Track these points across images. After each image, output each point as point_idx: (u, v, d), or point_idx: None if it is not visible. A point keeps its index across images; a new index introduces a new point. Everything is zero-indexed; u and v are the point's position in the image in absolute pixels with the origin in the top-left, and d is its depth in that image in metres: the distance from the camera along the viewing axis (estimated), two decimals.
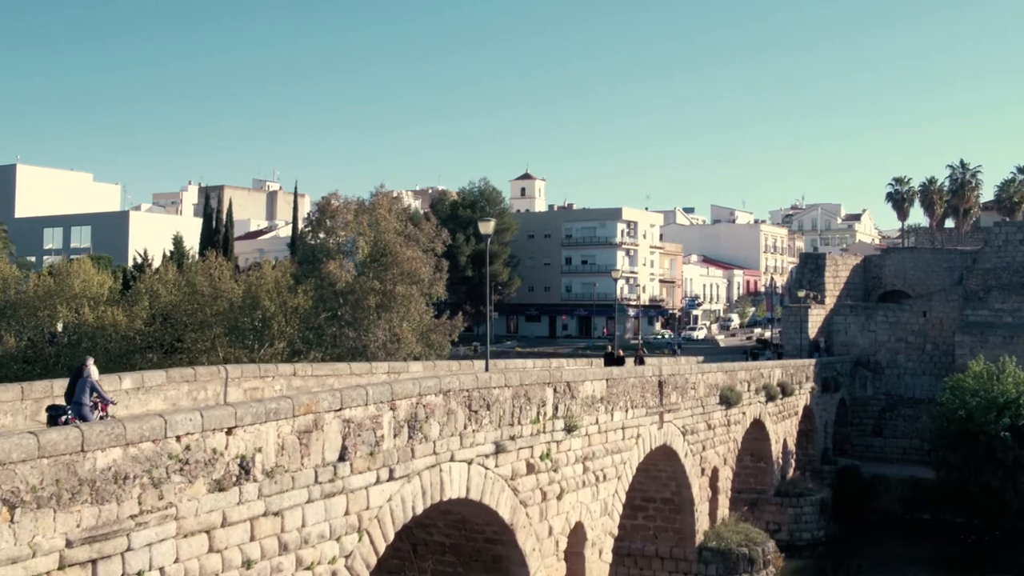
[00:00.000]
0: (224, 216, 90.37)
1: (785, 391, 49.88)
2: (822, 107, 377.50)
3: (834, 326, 72.15)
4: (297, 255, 61.09)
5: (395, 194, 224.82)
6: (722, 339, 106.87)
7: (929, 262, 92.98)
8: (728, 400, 40.83)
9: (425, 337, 58.72)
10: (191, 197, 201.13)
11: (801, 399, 54.23)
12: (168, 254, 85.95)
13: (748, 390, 44.40)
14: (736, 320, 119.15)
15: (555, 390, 27.14)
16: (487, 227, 27.83)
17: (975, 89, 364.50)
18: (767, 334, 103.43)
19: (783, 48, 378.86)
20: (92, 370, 18.17)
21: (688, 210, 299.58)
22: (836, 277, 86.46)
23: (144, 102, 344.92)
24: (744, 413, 43.79)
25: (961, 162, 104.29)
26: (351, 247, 58.22)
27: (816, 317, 79.78)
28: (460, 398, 22.80)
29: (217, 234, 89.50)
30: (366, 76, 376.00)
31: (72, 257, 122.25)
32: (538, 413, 26.11)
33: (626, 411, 31.65)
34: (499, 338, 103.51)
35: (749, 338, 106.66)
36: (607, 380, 30.40)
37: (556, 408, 27.10)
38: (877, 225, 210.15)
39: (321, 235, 58.30)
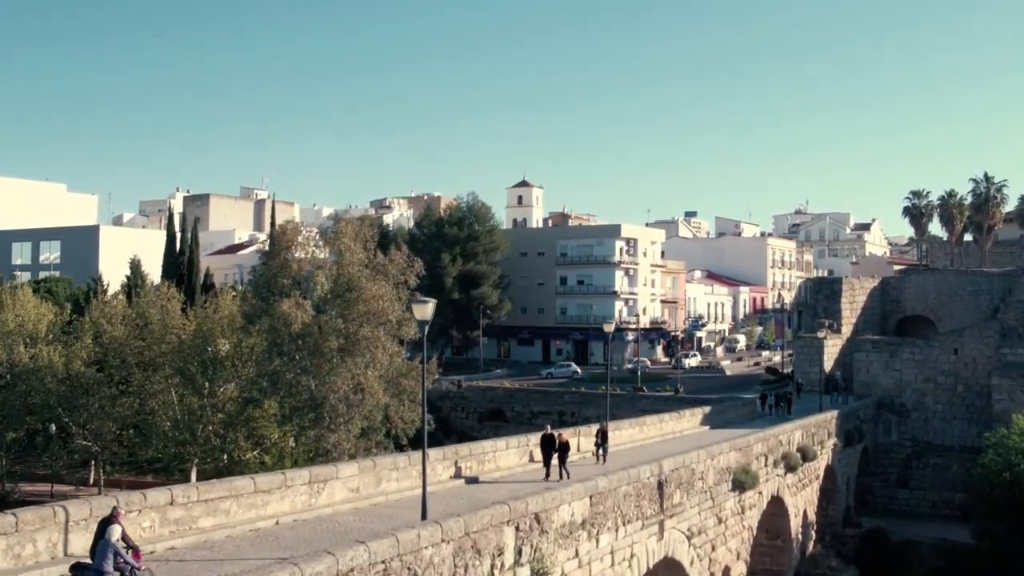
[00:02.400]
0: (189, 236, 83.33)
1: (806, 455, 43.05)
2: (826, 110, 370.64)
3: (854, 363, 65.21)
4: (250, 289, 54.13)
5: (388, 202, 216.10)
6: (728, 364, 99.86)
7: (952, 285, 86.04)
8: (743, 484, 33.92)
9: (395, 384, 51.82)
10: (178, 205, 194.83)
11: (823, 460, 47.36)
12: (126, 279, 79.15)
13: (765, 464, 37.51)
14: (742, 341, 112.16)
15: (518, 527, 20.20)
16: (423, 311, 20.90)
17: (990, 93, 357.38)
18: (776, 358, 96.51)
19: (786, 51, 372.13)
20: (115, 530, 16.55)
21: (690, 214, 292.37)
22: (853, 303, 79.56)
23: (133, 106, 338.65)
24: (761, 493, 36.91)
25: (985, 175, 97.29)
26: (309, 282, 51.15)
27: (832, 348, 72.89)
28: None
29: (182, 256, 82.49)
30: (359, 82, 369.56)
31: (42, 274, 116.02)
32: (492, 567, 19.18)
33: (616, 531, 24.70)
34: (489, 363, 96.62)
35: (757, 363, 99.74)
36: (591, 497, 23.42)
37: (519, 553, 20.19)
38: (887, 234, 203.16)
39: (276, 269, 51.04)
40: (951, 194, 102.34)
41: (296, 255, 51.16)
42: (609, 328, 37.25)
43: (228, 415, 56.47)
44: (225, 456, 58.16)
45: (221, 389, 57.33)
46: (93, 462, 63.29)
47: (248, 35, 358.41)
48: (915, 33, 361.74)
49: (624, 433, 41.13)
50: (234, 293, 68.23)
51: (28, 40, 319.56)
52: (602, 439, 32.72)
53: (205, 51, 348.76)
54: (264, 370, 51.59)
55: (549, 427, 30.55)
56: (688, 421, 47.84)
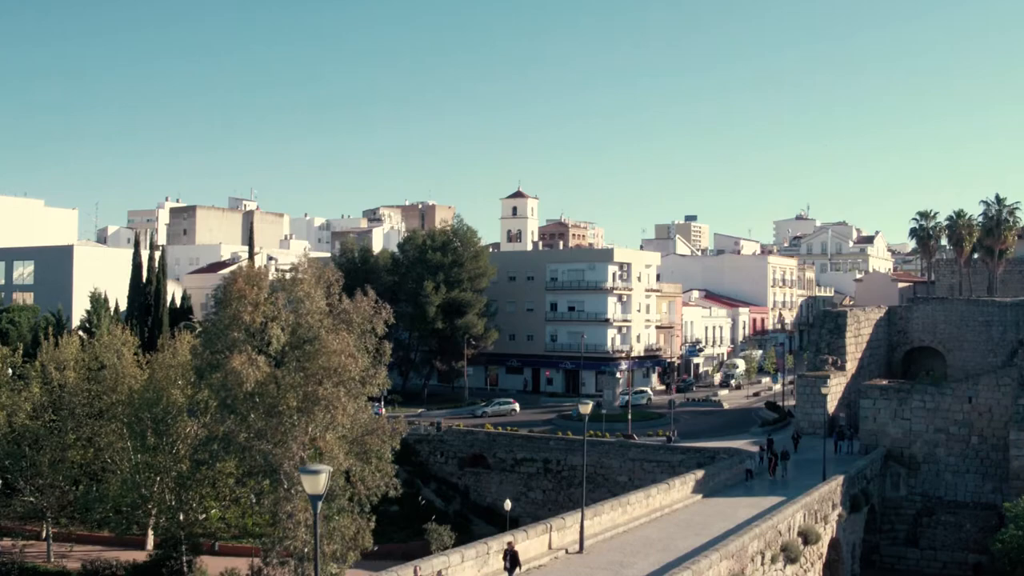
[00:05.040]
0: (157, 264, 78.94)
1: (808, 538, 38.66)
2: (828, 114, 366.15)
3: (861, 411, 60.75)
4: (200, 341, 49.55)
5: (379, 212, 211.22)
6: (725, 394, 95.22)
7: (963, 315, 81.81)
8: None
9: (359, 443, 47.38)
10: (165, 216, 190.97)
11: (827, 535, 42.93)
12: (86, 313, 74.76)
13: (763, 563, 33.09)
14: (741, 366, 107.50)
15: None
16: (315, 483, 16.43)
17: (998, 99, 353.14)
18: (776, 386, 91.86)
19: (789, 53, 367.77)
20: None
21: (691, 218, 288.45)
22: (858, 336, 75.21)
23: (122, 113, 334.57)
24: None
25: (997, 197, 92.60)
26: (263, 334, 46.62)
27: (836, 386, 68.61)
28: None
29: (149, 286, 78.13)
30: (353, 89, 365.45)
31: (16, 294, 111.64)
32: None
33: None
34: (475, 393, 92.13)
35: (757, 394, 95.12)
36: None
37: None
38: (891, 241, 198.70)
39: (228, 320, 46.48)
40: (959, 214, 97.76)
41: (248, 304, 46.58)
42: (585, 410, 32.78)
43: (180, 474, 52.23)
44: (181, 515, 54.01)
45: (175, 445, 53.11)
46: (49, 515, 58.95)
47: (241, 41, 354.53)
48: (916, 35, 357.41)
49: (605, 518, 36.89)
50: (199, 328, 63.89)
51: (12, 45, 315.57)
52: (511, 562, 27.89)
53: (195, 57, 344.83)
54: (214, 432, 47.32)
55: (415, 569, 25.49)
56: (679, 491, 43.51)
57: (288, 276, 49.33)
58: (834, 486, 44.72)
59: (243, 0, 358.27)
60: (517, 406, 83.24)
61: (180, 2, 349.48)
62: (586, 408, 32.83)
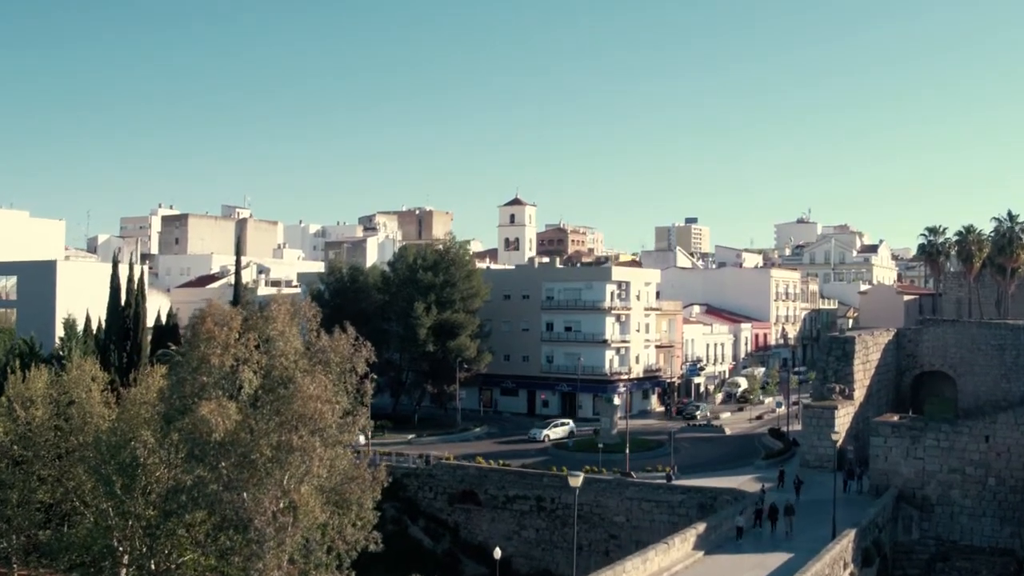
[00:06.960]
0: (136, 286, 75.76)
1: None
2: (828, 114, 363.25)
3: (871, 449, 57.69)
4: (168, 384, 46.43)
5: (375, 220, 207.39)
6: (728, 417, 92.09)
7: (975, 338, 78.79)
8: None
9: (337, 492, 44.45)
10: (158, 224, 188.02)
11: None
12: (59, 341, 71.61)
13: None
14: (743, 385, 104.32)
15: None
16: None
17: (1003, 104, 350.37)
18: (781, 409, 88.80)
19: (792, 54, 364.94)
20: None
21: (691, 220, 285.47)
22: (866, 363, 72.22)
23: (116, 118, 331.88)
24: None
25: (1009, 214, 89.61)
26: (235, 377, 43.65)
27: (844, 416, 65.55)
28: None
29: (128, 309, 74.97)
30: (350, 93, 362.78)
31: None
32: None
33: None
34: (468, 415, 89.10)
35: (760, 417, 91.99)
36: None
37: None
38: (893, 248, 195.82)
39: (196, 362, 43.48)
40: (969, 230, 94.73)
41: (217, 346, 43.50)
42: (576, 482, 29.84)
43: (150, 522, 49.21)
44: (153, 563, 51.03)
45: (146, 489, 50.03)
46: (13, 561, 55.91)
47: (237, 45, 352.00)
48: (916, 37, 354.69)
49: None
50: (175, 358, 60.75)
51: (5, 47, 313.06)
52: None
53: (190, 60, 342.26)
54: (182, 484, 44.33)
55: None
56: (678, 550, 40.54)
57: (261, 314, 46.34)
58: (845, 544, 41.74)
59: (237, 4, 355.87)
60: (362, 438, 77.59)
61: (174, 6, 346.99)
62: (576, 480, 29.85)
